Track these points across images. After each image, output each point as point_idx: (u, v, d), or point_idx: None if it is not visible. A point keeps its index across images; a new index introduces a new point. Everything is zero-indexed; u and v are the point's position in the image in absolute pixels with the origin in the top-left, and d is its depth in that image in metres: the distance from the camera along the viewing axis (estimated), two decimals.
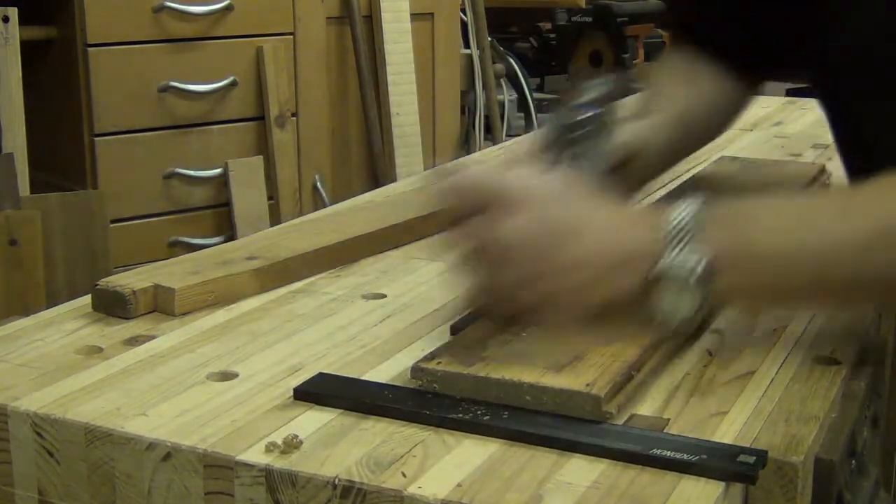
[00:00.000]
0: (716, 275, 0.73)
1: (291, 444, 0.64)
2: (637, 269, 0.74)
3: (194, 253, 0.99)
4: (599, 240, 0.74)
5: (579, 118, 0.89)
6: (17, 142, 2.11)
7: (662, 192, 1.20)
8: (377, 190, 1.36)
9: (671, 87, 1.07)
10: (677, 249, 0.73)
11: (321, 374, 0.75)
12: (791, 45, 1.01)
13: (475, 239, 0.75)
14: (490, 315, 0.79)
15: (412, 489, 0.60)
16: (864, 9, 0.89)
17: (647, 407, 0.71)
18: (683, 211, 0.74)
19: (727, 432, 0.67)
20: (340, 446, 0.65)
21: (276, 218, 2.42)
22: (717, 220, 0.74)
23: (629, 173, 0.95)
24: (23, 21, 2.13)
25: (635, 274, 0.74)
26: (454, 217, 0.76)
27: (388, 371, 0.77)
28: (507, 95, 3.19)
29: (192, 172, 2.36)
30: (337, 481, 0.61)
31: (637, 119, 0.97)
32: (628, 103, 0.98)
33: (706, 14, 1.09)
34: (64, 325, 0.85)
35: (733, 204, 0.77)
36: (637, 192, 1.01)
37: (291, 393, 0.72)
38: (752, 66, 1.07)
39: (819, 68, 0.97)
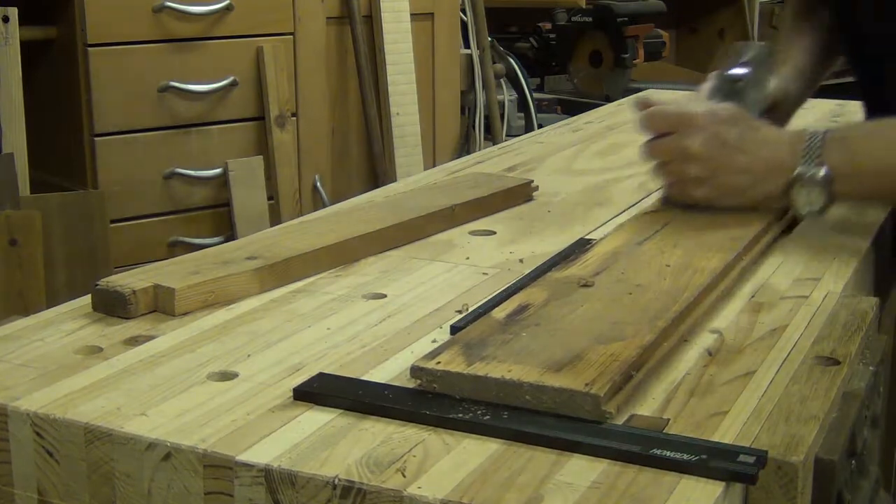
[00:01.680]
0: (833, 182, 1.02)
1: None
2: (783, 175, 1.04)
3: (194, 253, 0.99)
4: (758, 153, 1.06)
5: (739, 73, 1.20)
6: (17, 142, 2.11)
7: None
8: (377, 190, 1.36)
9: (793, 39, 1.37)
10: (808, 163, 1.03)
11: (321, 374, 0.75)
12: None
13: (670, 150, 1.08)
14: (673, 205, 1.11)
15: (412, 489, 0.60)
16: None
17: (647, 407, 0.71)
18: (814, 133, 1.04)
19: (727, 432, 0.67)
20: (340, 446, 0.65)
21: (276, 218, 2.42)
22: (835, 142, 1.03)
23: (773, 116, 1.22)
24: (23, 21, 2.13)
25: (781, 178, 1.04)
26: (654, 135, 1.09)
27: (388, 371, 0.77)
28: (507, 95, 3.19)
29: (192, 172, 2.36)
30: (337, 481, 0.61)
31: (776, 73, 1.28)
32: (772, 61, 1.29)
33: None
34: (64, 325, 0.85)
35: (848, 128, 1.17)
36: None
37: (291, 393, 0.72)
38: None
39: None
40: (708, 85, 1.20)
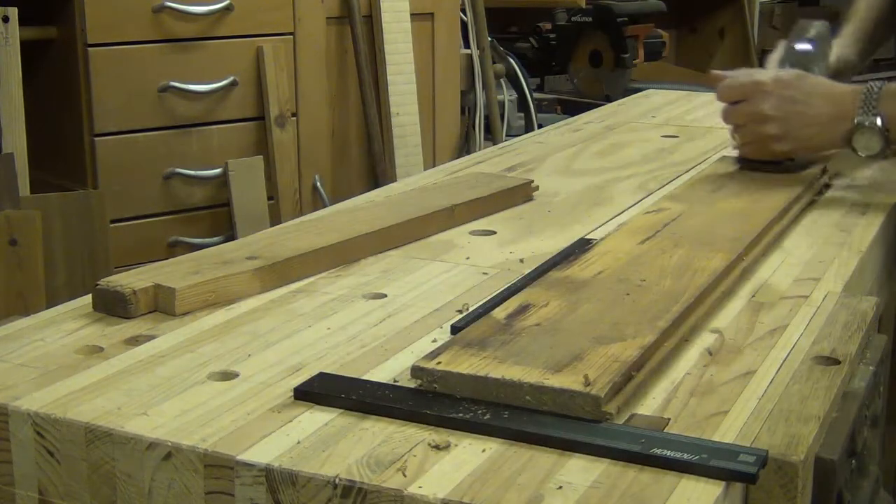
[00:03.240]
0: (890, 129, 1.18)
1: None
2: (845, 123, 1.20)
3: (194, 253, 0.99)
4: (822, 106, 1.23)
5: (805, 48, 1.37)
6: (17, 142, 2.11)
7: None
8: (377, 190, 1.36)
9: (863, 9, 1.50)
10: (867, 113, 1.19)
11: (321, 374, 0.75)
12: None
13: (746, 114, 1.26)
14: (749, 164, 1.29)
15: (412, 489, 0.60)
16: None
17: (647, 407, 0.71)
18: (873, 86, 1.19)
19: (727, 432, 0.67)
20: (341, 446, 0.65)
21: (276, 218, 2.42)
22: (891, 94, 1.18)
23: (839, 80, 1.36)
24: (23, 21, 2.13)
25: (843, 126, 1.20)
26: (730, 103, 1.27)
27: (388, 371, 0.77)
28: (507, 95, 3.19)
29: (192, 172, 2.36)
30: (337, 481, 0.61)
31: (839, 38, 1.45)
32: (831, 38, 1.43)
33: None
34: (64, 325, 0.85)
35: None
36: None
37: (291, 393, 0.72)
38: None
39: None
40: (776, 55, 1.38)
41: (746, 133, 1.27)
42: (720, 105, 1.31)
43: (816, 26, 1.41)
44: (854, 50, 1.47)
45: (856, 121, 1.19)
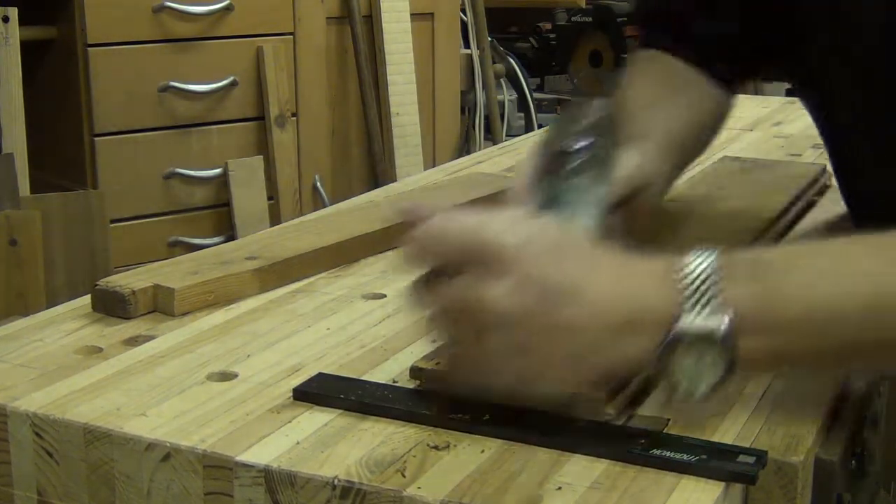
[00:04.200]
0: (740, 338, 0.62)
1: None
2: (648, 332, 0.63)
3: (194, 253, 0.98)
4: (602, 297, 0.63)
5: (575, 147, 0.78)
6: (17, 142, 2.11)
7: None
8: (377, 190, 1.36)
9: (658, 101, 0.95)
10: (697, 308, 0.62)
11: (321, 375, 0.75)
12: (767, 45, 0.97)
13: (454, 302, 0.65)
14: (469, 386, 0.67)
15: (412, 489, 0.60)
16: (841, 8, 0.86)
17: (647, 407, 0.71)
18: (700, 260, 0.64)
19: (727, 432, 0.67)
20: (340, 446, 0.65)
21: (276, 218, 2.42)
22: (741, 272, 0.64)
23: (636, 207, 0.85)
24: (23, 21, 2.13)
25: (646, 338, 0.63)
26: (427, 272, 0.68)
27: (388, 371, 0.76)
28: (507, 95, 3.19)
29: (192, 172, 2.36)
30: (336, 481, 0.61)
31: (632, 146, 0.84)
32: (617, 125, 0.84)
33: (680, 14, 1.01)
34: (64, 325, 0.85)
35: (759, 252, 0.67)
36: (646, 226, 0.88)
37: (291, 393, 0.72)
38: (731, 68, 1.01)
39: (798, 69, 0.96)
40: (528, 165, 0.78)
41: (459, 336, 0.67)
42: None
43: (599, 109, 0.81)
44: (663, 166, 0.89)
45: (678, 326, 0.62)
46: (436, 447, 0.65)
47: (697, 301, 0.62)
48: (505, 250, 0.64)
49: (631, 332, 0.63)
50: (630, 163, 0.83)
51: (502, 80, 3.16)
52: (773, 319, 0.63)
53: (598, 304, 0.63)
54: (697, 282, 0.63)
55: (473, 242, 0.65)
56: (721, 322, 0.62)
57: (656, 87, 0.98)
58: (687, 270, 0.63)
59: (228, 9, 2.37)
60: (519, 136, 1.79)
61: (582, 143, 0.78)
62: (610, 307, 0.63)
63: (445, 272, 0.66)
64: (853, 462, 0.76)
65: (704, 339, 0.62)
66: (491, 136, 3.02)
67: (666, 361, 0.63)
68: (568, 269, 0.64)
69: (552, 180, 0.76)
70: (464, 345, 0.66)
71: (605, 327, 0.63)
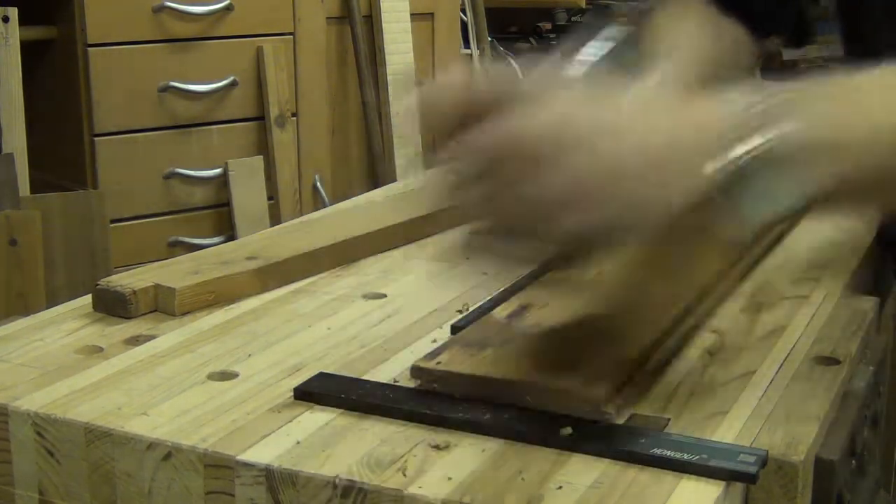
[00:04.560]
0: (804, 162, 0.57)
1: None
2: (711, 158, 0.57)
3: (194, 253, 0.99)
4: (655, 127, 0.57)
5: (590, 52, 0.74)
6: (17, 142, 2.11)
7: None
8: (377, 190, 1.36)
9: (683, 26, 0.90)
10: (769, 128, 0.58)
11: (321, 374, 0.75)
12: None
13: (484, 144, 0.58)
14: (497, 253, 0.61)
15: (412, 489, 0.60)
16: None
17: (647, 407, 0.71)
18: (765, 90, 0.59)
19: (727, 432, 0.67)
20: (340, 446, 0.65)
21: (276, 218, 2.42)
22: (814, 95, 0.60)
23: None
24: (23, 21, 2.13)
25: (708, 162, 0.57)
26: (458, 120, 0.60)
27: (388, 371, 0.77)
28: None
29: (192, 172, 2.36)
30: (337, 481, 0.61)
31: (653, 63, 0.79)
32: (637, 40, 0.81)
33: None
34: (64, 325, 0.85)
35: (812, 83, 0.62)
36: None
37: (291, 393, 0.72)
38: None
39: None
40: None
41: (490, 180, 0.59)
42: None
43: (615, 30, 0.78)
44: (686, 78, 0.83)
45: (743, 152, 0.57)
46: (436, 447, 0.65)
47: (755, 128, 0.58)
48: (534, 90, 0.59)
49: (690, 161, 0.58)
50: (651, 79, 0.77)
51: None
52: (836, 141, 0.59)
53: (650, 134, 0.58)
54: (764, 110, 0.59)
55: (504, 87, 0.60)
56: (781, 144, 0.57)
57: (683, 19, 0.92)
58: (752, 101, 0.59)
59: (228, 9, 2.37)
60: None
61: (601, 53, 0.73)
62: (664, 137, 0.58)
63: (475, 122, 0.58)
64: (853, 462, 0.76)
65: (774, 160, 0.57)
66: None
67: (729, 192, 0.58)
68: (608, 108, 0.59)
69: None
70: (493, 195, 0.59)
71: (659, 158, 0.57)
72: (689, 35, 0.88)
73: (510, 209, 0.58)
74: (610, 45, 0.74)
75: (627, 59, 0.75)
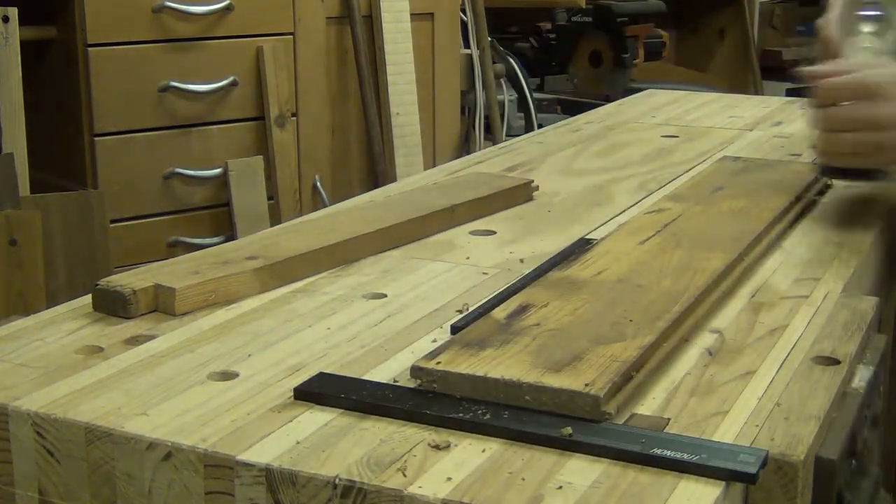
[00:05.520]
0: None
1: None
2: None
3: (194, 253, 0.99)
4: None
5: (871, 14, 1.16)
6: (17, 142, 2.11)
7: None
8: (377, 190, 1.36)
9: None
10: None
11: (321, 374, 0.75)
12: None
13: (856, 120, 1.04)
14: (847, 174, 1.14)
15: (412, 489, 0.60)
16: None
17: (647, 407, 0.71)
18: None
19: (727, 432, 0.67)
20: (340, 446, 0.65)
21: (276, 218, 2.42)
22: None
23: None
24: (23, 21, 2.13)
25: None
26: (833, 102, 1.05)
27: (388, 371, 0.77)
28: (507, 95, 3.19)
29: (192, 172, 2.36)
30: (337, 481, 0.61)
31: None
32: None
33: None
34: (64, 325, 0.85)
35: None
36: None
37: (291, 393, 0.72)
38: None
39: None
40: (842, 24, 1.16)
41: (848, 142, 1.06)
42: (730, 104, 1.15)
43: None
44: None
45: None
46: (436, 447, 0.65)
47: None
48: (885, 87, 1.03)
49: None
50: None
51: (502, 80, 3.16)
52: None
53: None
54: None
55: (863, 84, 1.05)
56: None
57: None
58: None
59: (228, 9, 2.37)
60: (519, 136, 1.79)
61: (874, 13, 1.16)
62: None
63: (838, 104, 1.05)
64: (853, 462, 0.76)
65: None
66: (491, 136, 3.02)
67: None
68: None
69: (856, 41, 1.15)
70: (857, 147, 1.06)
71: None
72: None
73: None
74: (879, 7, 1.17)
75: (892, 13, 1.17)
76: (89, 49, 2.20)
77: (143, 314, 0.87)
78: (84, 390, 0.73)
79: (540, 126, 2.99)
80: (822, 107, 1.07)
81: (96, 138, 2.23)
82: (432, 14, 2.80)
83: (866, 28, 1.16)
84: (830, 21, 1.16)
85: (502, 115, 3.11)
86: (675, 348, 0.80)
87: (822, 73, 1.08)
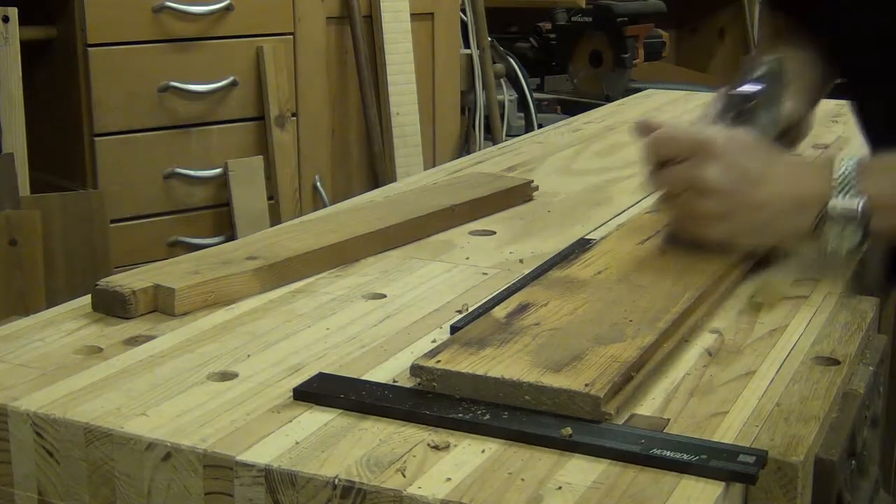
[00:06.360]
0: (872, 216, 0.90)
1: None
2: (810, 211, 0.91)
3: (194, 253, 0.99)
4: (782, 185, 0.93)
5: (750, 91, 1.09)
6: (17, 142, 2.11)
7: None
8: (377, 190, 1.36)
9: (795, 54, 1.20)
10: (842, 195, 0.91)
11: (321, 374, 0.75)
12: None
13: (682, 180, 0.94)
14: (682, 241, 0.96)
15: (412, 489, 0.60)
16: None
17: (647, 407, 0.71)
18: (846, 162, 0.92)
19: (727, 432, 0.67)
20: (340, 446, 0.65)
21: (276, 218, 2.42)
22: (873, 171, 0.92)
23: (787, 139, 1.16)
24: (23, 21, 2.13)
25: (809, 215, 0.91)
26: (660, 162, 0.95)
27: (388, 371, 0.77)
28: (507, 95, 3.19)
29: (192, 172, 2.36)
30: (337, 481, 0.61)
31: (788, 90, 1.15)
32: (785, 76, 1.15)
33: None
34: (64, 325, 0.85)
35: (886, 157, 0.96)
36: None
37: (291, 393, 0.72)
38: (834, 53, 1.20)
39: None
40: (715, 105, 1.08)
41: (681, 205, 0.95)
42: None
43: (769, 62, 1.14)
44: (804, 105, 1.18)
45: (829, 206, 0.90)
46: (436, 447, 0.65)
47: (842, 189, 0.91)
48: (716, 144, 0.93)
49: (799, 210, 0.92)
50: (786, 105, 1.13)
51: (502, 80, 3.16)
52: (893, 204, 0.91)
53: (778, 188, 0.93)
54: (843, 176, 0.91)
55: (693, 139, 0.95)
56: (858, 203, 0.90)
57: (795, 53, 1.20)
58: (836, 167, 0.92)
59: (228, 9, 2.37)
60: (519, 136, 1.79)
61: (754, 89, 1.09)
62: (787, 191, 0.93)
63: (671, 162, 0.94)
64: (853, 462, 0.76)
65: (847, 216, 0.90)
66: (491, 136, 3.02)
67: (820, 231, 0.91)
68: (759, 160, 0.94)
69: (733, 117, 1.06)
70: (685, 211, 0.95)
71: (782, 206, 0.92)
72: (797, 67, 1.17)
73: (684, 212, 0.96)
74: (762, 84, 1.09)
75: (775, 92, 1.10)
76: (89, 49, 2.20)
77: (142, 314, 0.87)
78: (83, 390, 0.73)
79: (540, 126, 2.98)
80: (654, 165, 0.96)
81: (96, 138, 2.23)
82: (432, 14, 2.80)
83: (742, 105, 1.07)
84: (709, 111, 1.08)
85: (502, 115, 3.11)
86: (675, 349, 0.80)
87: (653, 126, 0.98)
